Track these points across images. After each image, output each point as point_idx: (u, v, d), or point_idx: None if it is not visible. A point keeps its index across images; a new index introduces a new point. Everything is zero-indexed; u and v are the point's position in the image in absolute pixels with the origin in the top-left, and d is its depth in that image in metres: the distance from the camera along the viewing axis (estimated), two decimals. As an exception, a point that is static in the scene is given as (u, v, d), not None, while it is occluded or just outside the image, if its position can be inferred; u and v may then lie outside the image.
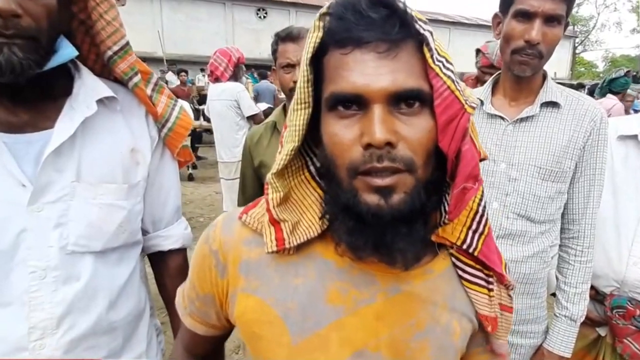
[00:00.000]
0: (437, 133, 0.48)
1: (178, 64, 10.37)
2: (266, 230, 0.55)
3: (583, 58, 31.39)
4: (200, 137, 7.70)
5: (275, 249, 0.54)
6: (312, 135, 0.55)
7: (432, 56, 0.47)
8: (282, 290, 0.55)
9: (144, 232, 0.97)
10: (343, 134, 0.47)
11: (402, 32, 0.45)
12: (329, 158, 0.50)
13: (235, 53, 3.36)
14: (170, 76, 10.05)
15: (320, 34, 0.48)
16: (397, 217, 0.46)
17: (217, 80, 3.39)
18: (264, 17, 16.82)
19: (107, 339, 0.84)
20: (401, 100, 0.46)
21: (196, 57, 14.18)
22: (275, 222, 0.54)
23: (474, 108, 0.49)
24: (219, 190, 4.28)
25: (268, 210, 0.54)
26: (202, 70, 10.72)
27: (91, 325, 0.80)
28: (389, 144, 0.45)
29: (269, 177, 0.54)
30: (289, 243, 0.54)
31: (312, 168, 0.58)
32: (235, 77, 3.42)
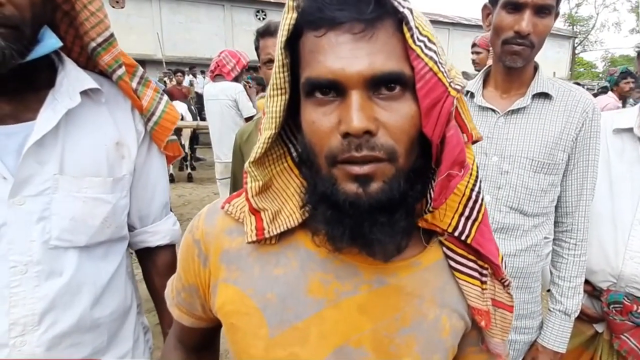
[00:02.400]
0: (421, 118, 0.46)
1: (177, 66, 10.40)
2: (247, 220, 0.53)
3: (582, 58, 31.32)
4: (197, 138, 7.70)
5: (254, 238, 0.52)
6: (294, 120, 0.53)
7: (412, 36, 0.44)
8: (261, 280, 0.54)
9: (131, 228, 0.95)
10: (321, 122, 0.45)
11: (378, 11, 0.43)
12: (308, 146, 0.48)
13: (244, 57, 3.41)
14: (191, 78, 10.20)
15: (295, 15, 0.45)
16: (375, 207, 0.44)
17: (217, 77, 3.40)
18: (263, 18, 16.82)
19: (91, 336, 0.82)
20: (381, 85, 0.44)
21: (196, 59, 14.19)
22: (255, 212, 0.53)
23: (458, 90, 0.46)
24: (217, 191, 4.27)
25: (247, 199, 0.53)
26: (202, 72, 10.74)
27: (74, 322, 0.79)
28: (368, 133, 0.43)
29: (246, 165, 0.53)
30: (269, 232, 0.52)
31: (294, 155, 0.56)
32: (236, 79, 3.46)
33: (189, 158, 7.23)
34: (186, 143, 6.94)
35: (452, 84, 0.46)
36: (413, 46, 0.44)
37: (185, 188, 6.51)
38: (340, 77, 0.43)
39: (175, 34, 15.29)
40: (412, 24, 0.44)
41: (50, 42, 0.75)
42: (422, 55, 0.44)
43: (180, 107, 6.61)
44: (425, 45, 0.45)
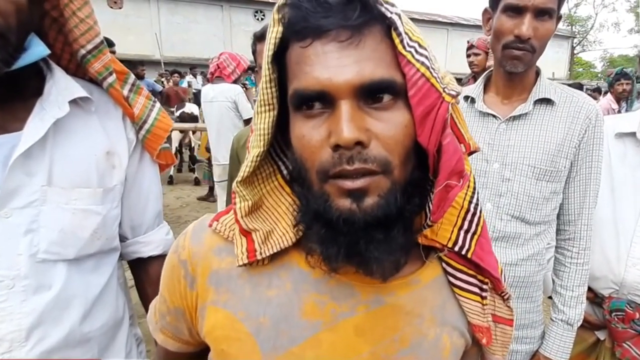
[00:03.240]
0: (415, 127, 0.44)
1: (176, 67, 10.39)
2: (237, 242, 0.51)
3: (581, 58, 31.37)
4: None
5: (245, 261, 0.50)
6: (284, 137, 0.51)
7: (402, 41, 0.42)
8: (253, 303, 0.51)
9: (123, 238, 0.93)
10: (310, 136, 0.43)
11: (364, 16, 0.41)
12: (298, 162, 0.46)
13: (244, 60, 3.42)
14: (190, 78, 10.19)
15: (280, 29, 0.44)
16: (371, 223, 0.42)
17: (217, 79, 3.39)
18: (262, 19, 16.80)
19: (81, 351, 0.80)
20: (371, 94, 0.42)
21: (194, 60, 14.16)
22: (245, 233, 0.51)
23: (453, 96, 0.45)
24: (216, 193, 4.26)
25: (237, 220, 0.51)
26: (203, 73, 10.72)
27: (63, 336, 0.76)
28: (360, 144, 0.41)
29: (234, 185, 0.51)
30: (261, 254, 0.50)
31: (285, 172, 0.54)
32: (235, 82, 3.46)
33: (187, 159, 7.20)
34: (196, 146, 6.94)
35: (446, 89, 0.44)
36: (403, 52, 0.42)
37: (184, 190, 6.48)
38: (329, 87, 0.41)
39: (173, 35, 15.26)
40: (401, 29, 0.42)
41: (37, 49, 0.73)
42: (413, 61, 0.42)
43: (194, 108, 6.60)
44: (416, 51, 0.43)
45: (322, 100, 0.42)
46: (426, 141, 0.44)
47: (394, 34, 0.42)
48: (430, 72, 0.43)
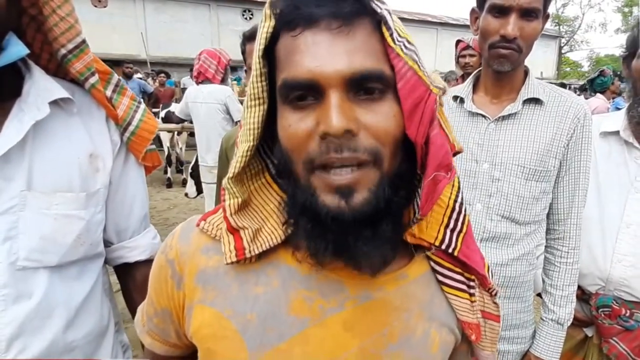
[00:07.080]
0: (404, 119, 0.44)
1: (162, 67, 10.22)
2: (225, 240, 0.51)
3: (569, 58, 31.80)
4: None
5: (234, 259, 0.50)
6: (272, 134, 0.51)
7: (391, 35, 0.43)
8: (241, 300, 0.51)
9: (108, 243, 0.91)
10: (298, 126, 0.43)
11: (355, 7, 0.42)
12: (285, 154, 0.46)
13: (224, 55, 3.34)
14: (187, 80, 10.05)
15: (272, 23, 0.44)
16: (359, 219, 0.42)
17: (204, 81, 3.31)
18: (250, 18, 16.69)
19: None
20: (360, 85, 0.42)
21: (181, 60, 14.00)
22: (233, 230, 0.50)
23: (440, 89, 0.46)
24: (204, 194, 4.21)
25: (225, 218, 0.50)
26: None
27: (46, 346, 0.74)
28: (349, 133, 0.41)
29: (225, 182, 0.50)
30: (250, 252, 0.50)
31: (272, 170, 0.54)
32: (223, 80, 3.38)
33: (175, 160, 7.11)
34: (183, 146, 6.86)
35: (433, 83, 0.46)
36: (393, 45, 0.43)
37: (171, 191, 6.40)
38: (318, 76, 0.41)
39: (160, 34, 15.02)
40: (390, 24, 0.43)
41: (16, 49, 0.70)
42: (402, 55, 0.43)
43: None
44: (405, 46, 0.44)
45: (310, 90, 0.42)
46: (414, 133, 0.44)
47: (383, 28, 0.43)
48: (419, 66, 0.44)
